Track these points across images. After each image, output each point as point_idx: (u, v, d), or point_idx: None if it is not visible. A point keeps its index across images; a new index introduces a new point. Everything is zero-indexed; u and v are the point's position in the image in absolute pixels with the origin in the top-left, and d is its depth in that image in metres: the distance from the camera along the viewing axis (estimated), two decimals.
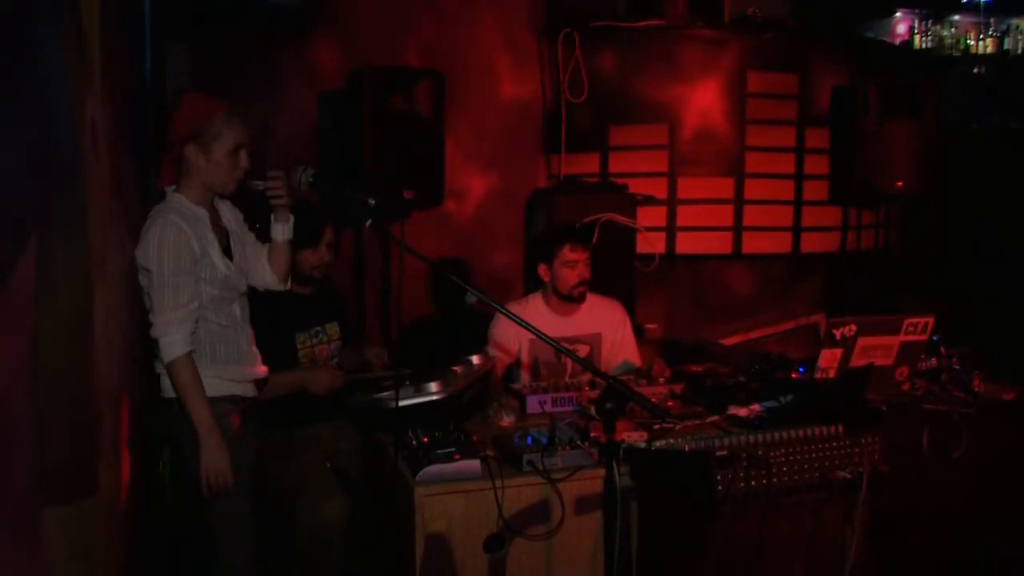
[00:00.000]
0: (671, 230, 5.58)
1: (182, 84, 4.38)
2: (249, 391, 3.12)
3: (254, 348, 3.20)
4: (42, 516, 1.80)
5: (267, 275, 3.31)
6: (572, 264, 3.99)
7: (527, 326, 2.70)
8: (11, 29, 1.64)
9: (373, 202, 2.66)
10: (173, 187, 3.00)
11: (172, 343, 2.84)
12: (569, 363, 4.07)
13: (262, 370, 3.20)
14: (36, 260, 1.75)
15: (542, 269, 4.09)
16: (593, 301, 4.18)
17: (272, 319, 3.71)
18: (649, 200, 5.45)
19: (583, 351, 4.12)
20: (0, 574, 1.54)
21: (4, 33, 1.59)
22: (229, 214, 3.21)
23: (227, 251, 3.08)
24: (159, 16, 3.25)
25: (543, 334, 2.71)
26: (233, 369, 3.05)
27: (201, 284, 2.93)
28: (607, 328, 4.19)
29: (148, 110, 3.29)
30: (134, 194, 3.06)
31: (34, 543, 1.75)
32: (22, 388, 1.67)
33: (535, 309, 4.11)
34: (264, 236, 3.31)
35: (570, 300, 4.07)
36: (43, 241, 1.82)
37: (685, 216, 5.60)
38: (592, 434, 3.01)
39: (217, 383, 2.96)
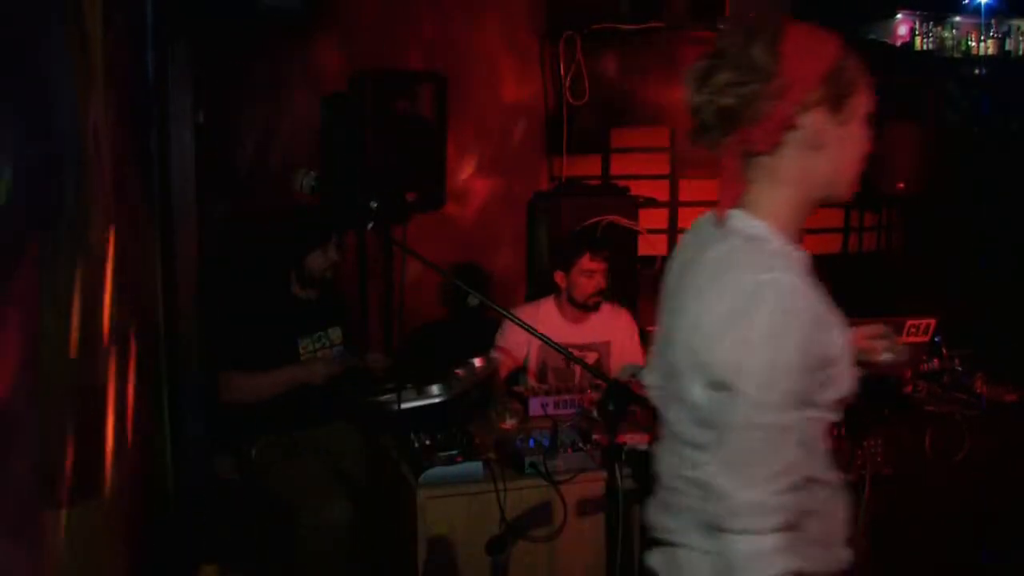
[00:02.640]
0: (673, 232, 5.58)
1: (184, 85, 4.38)
2: None
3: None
4: (45, 518, 1.80)
5: None
6: (590, 274, 4.00)
7: (535, 333, 2.70)
8: (14, 31, 1.64)
9: (375, 205, 2.66)
10: (739, 210, 1.69)
11: (757, 555, 1.47)
12: (578, 369, 4.07)
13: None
14: (39, 262, 1.76)
15: (559, 276, 4.09)
16: (604, 309, 4.19)
17: (276, 324, 3.73)
18: (651, 202, 5.45)
19: (592, 358, 4.12)
20: (4, 575, 1.54)
21: (7, 35, 1.59)
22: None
23: None
24: (161, 19, 3.25)
25: (552, 341, 2.71)
26: (819, 554, 1.61)
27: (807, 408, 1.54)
28: (617, 336, 4.20)
29: (151, 113, 3.28)
30: (137, 198, 3.06)
31: (37, 545, 1.75)
32: (25, 389, 1.67)
33: (546, 314, 4.12)
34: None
35: (584, 309, 4.08)
36: (46, 244, 1.82)
37: (687, 218, 5.59)
38: (594, 436, 3.01)
39: None
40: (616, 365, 4.18)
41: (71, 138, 2.09)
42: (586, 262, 3.99)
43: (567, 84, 5.48)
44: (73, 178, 2.13)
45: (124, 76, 2.86)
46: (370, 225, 2.70)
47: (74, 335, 2.09)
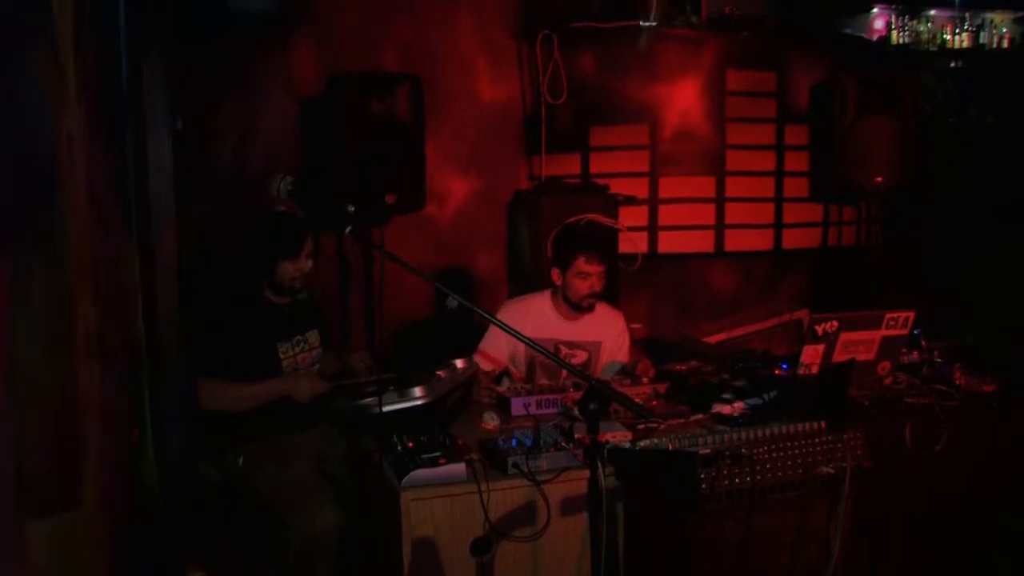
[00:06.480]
0: (653, 229, 5.60)
1: (160, 92, 4.37)
2: None
3: None
4: (23, 530, 1.80)
5: None
6: (585, 276, 4.02)
7: (515, 334, 2.70)
8: None
9: (352, 208, 2.66)
10: None
11: None
12: None
13: None
14: (12, 272, 1.75)
15: (555, 273, 4.11)
16: (600, 309, 4.22)
17: (254, 330, 3.72)
18: (631, 200, 5.47)
19: (582, 356, 4.14)
20: None
21: None
22: None
23: None
24: (134, 26, 3.23)
25: (535, 343, 2.71)
26: None
27: None
28: (608, 338, 4.22)
29: (126, 122, 3.26)
30: (113, 207, 3.04)
31: (15, 556, 1.74)
32: (1, 399, 1.67)
33: (539, 308, 4.15)
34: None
35: (578, 309, 4.10)
36: (20, 254, 1.81)
37: (667, 215, 5.61)
38: (577, 435, 3.01)
39: None
40: (604, 366, 4.20)
41: (44, 149, 2.09)
42: (582, 264, 4.01)
43: (545, 83, 5.50)
44: (47, 188, 2.12)
45: (98, 86, 2.85)
46: (348, 229, 2.69)
47: (50, 345, 2.09)
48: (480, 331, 4.21)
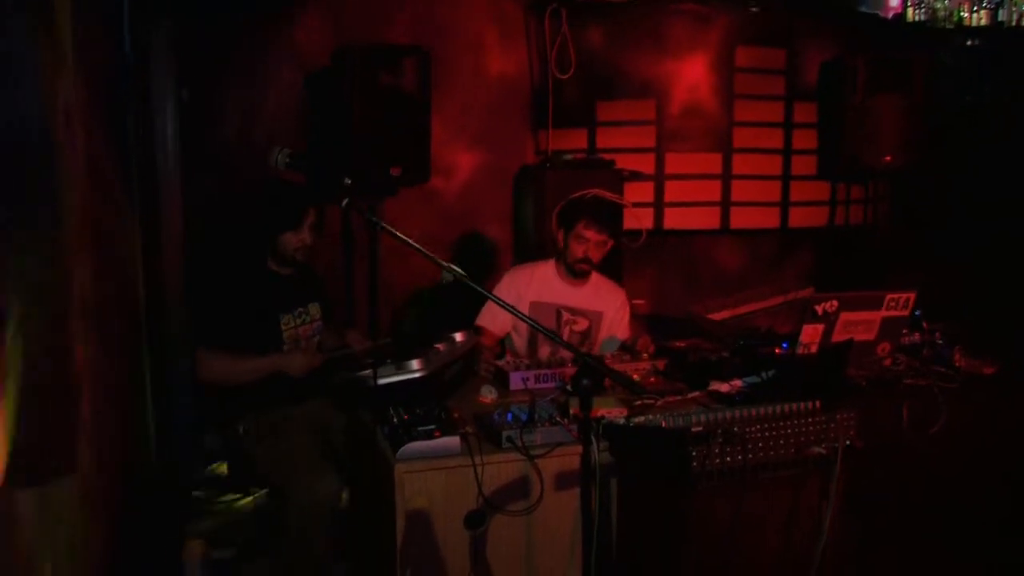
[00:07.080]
0: (659, 205, 5.59)
1: (167, 63, 4.37)
2: None
3: None
4: (17, 495, 1.82)
5: None
6: (583, 240, 4.06)
7: (511, 310, 2.71)
8: None
9: (348, 182, 2.66)
10: None
11: None
12: (567, 331, 4.14)
13: None
14: (5, 243, 1.77)
15: (559, 235, 4.17)
16: (601, 281, 4.29)
17: (257, 302, 3.74)
18: (637, 175, 5.45)
19: (583, 324, 4.19)
20: None
21: None
22: None
23: None
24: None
25: (526, 316, 2.73)
26: None
27: None
28: (609, 309, 4.26)
29: (130, 95, 3.27)
30: (115, 180, 3.05)
31: (8, 522, 1.77)
32: None
33: (544, 273, 4.22)
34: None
35: (572, 273, 4.13)
36: (14, 225, 1.83)
37: (673, 191, 5.60)
38: (572, 410, 3.02)
39: None
40: (603, 337, 4.23)
41: (40, 121, 2.10)
42: (581, 228, 4.06)
43: (553, 57, 5.47)
44: (44, 159, 2.14)
45: (99, 58, 2.85)
46: (345, 202, 2.70)
47: (47, 314, 2.11)
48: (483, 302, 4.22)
